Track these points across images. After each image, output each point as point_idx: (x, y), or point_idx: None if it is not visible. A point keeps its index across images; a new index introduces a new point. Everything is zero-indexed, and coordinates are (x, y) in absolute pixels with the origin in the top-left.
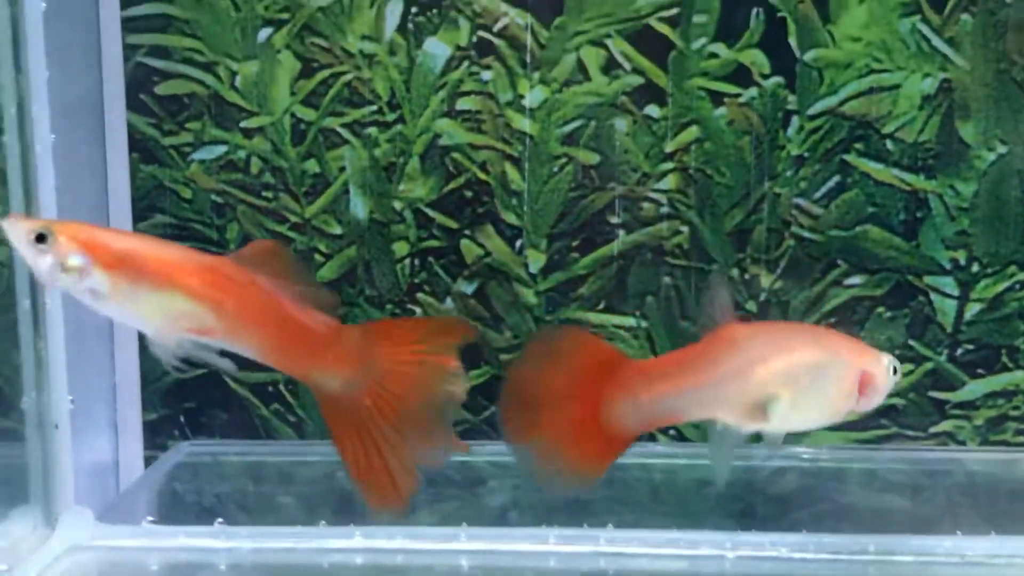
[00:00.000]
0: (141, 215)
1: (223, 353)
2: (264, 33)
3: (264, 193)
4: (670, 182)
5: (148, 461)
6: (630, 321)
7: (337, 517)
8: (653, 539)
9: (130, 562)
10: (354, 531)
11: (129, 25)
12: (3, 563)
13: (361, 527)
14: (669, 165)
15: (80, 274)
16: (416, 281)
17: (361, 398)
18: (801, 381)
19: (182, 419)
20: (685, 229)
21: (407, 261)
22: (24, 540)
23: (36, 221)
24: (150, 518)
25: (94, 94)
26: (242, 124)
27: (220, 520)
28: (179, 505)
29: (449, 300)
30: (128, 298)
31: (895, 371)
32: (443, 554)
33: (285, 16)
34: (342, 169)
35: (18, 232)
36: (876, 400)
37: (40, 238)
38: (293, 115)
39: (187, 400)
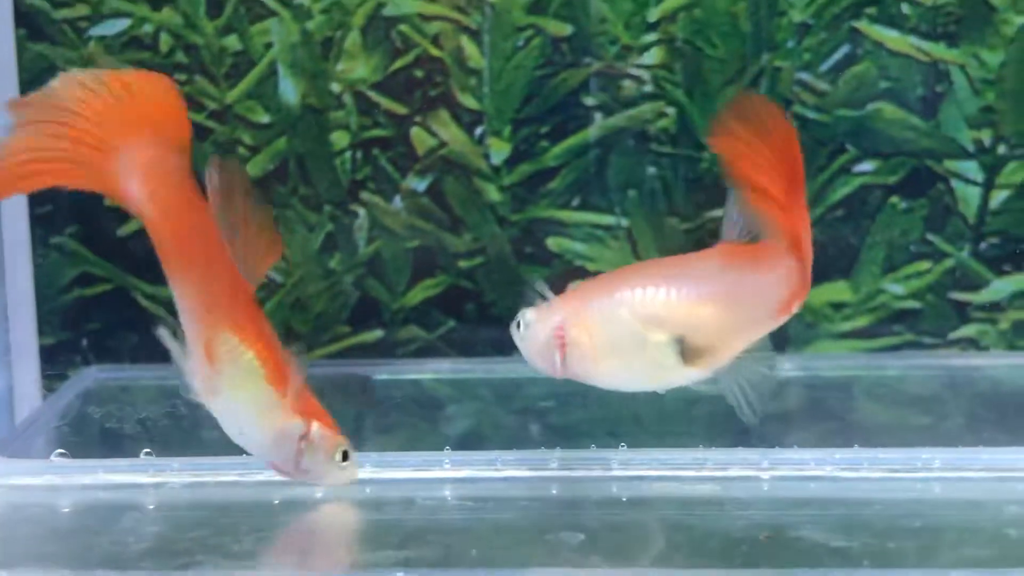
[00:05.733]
0: None
1: None
2: None
3: (176, 75)
4: (654, 56)
5: (47, 391)
6: (608, 219)
7: None
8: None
9: (36, 503)
10: None
11: None
12: None
13: None
14: (653, 36)
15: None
16: (358, 178)
17: None
18: None
19: (85, 343)
20: (671, 111)
21: (348, 154)
22: None
23: None
24: (60, 451)
25: None
26: None
27: (148, 451)
28: (93, 436)
29: (398, 199)
30: None
31: None
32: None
33: None
34: (268, 46)
35: None
36: None
37: None
38: None
39: (92, 321)
